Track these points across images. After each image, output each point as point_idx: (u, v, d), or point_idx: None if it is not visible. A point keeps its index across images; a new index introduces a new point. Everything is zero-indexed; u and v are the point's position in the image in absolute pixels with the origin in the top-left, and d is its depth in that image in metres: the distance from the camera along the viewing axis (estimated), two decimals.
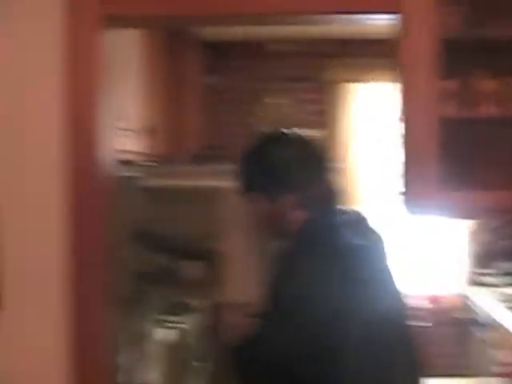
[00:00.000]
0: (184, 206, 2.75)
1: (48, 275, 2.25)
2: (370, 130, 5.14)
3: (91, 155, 2.22)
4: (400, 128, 2.13)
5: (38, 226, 2.26)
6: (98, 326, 2.24)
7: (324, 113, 5.23)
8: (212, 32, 4.80)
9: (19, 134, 2.22)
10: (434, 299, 4.93)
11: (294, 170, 2.03)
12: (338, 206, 2.08)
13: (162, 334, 3.26)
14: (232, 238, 2.26)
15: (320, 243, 1.98)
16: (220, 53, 5.26)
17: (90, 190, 2.22)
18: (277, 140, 2.11)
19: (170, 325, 3.48)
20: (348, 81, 5.21)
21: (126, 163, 2.94)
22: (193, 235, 2.69)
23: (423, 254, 5.02)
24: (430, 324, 4.72)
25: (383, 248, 2.11)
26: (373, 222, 2.12)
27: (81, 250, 2.22)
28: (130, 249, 2.84)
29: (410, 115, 2.08)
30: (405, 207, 2.12)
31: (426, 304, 4.90)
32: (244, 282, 2.10)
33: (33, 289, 2.27)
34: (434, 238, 4.95)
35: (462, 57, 2.07)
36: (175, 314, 3.60)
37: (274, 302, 1.97)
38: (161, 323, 3.28)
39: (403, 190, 2.12)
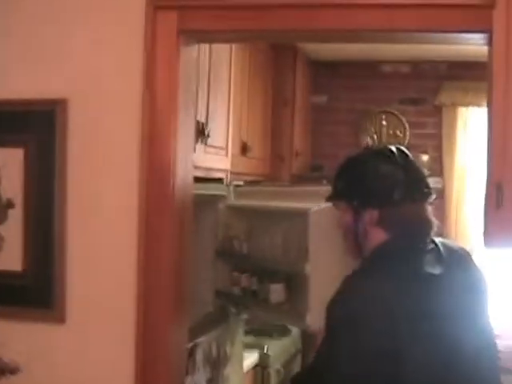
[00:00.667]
0: (272, 226, 2.72)
1: (115, 292, 2.16)
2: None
3: (168, 173, 2.12)
4: (485, 155, 1.99)
5: (107, 243, 2.17)
6: (167, 346, 2.13)
7: (438, 137, 5.00)
8: (322, 50, 4.68)
9: (95, 145, 2.18)
10: None
11: (383, 185, 2.01)
12: (429, 235, 2.02)
13: (245, 357, 3.28)
14: (320, 261, 2.21)
15: (389, 268, 1.92)
16: (331, 72, 5.12)
17: (166, 208, 2.12)
18: (377, 153, 2.10)
19: (253, 348, 3.54)
20: (464, 104, 4.95)
21: (214, 181, 2.94)
22: (280, 256, 2.64)
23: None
24: None
25: (479, 286, 2.02)
26: (477, 260, 2.07)
27: (152, 267, 2.12)
28: (212, 267, 2.89)
29: (495, 140, 1.92)
30: (484, 240, 1.93)
31: None
32: None
33: (98, 305, 2.18)
34: None
35: None
36: (259, 336, 3.73)
37: (327, 324, 1.92)
38: (244, 345, 3.26)
39: (483, 221, 1.95)
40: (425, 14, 2.03)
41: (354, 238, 2.06)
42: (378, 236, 2.01)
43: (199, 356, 2.65)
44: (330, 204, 2.16)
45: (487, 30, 1.98)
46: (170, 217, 2.14)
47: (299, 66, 4.64)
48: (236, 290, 2.88)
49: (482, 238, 1.97)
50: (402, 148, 2.10)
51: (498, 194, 1.90)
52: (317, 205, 2.25)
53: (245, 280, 2.89)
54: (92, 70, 2.19)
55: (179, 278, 2.21)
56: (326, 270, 2.21)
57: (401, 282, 1.89)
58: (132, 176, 2.14)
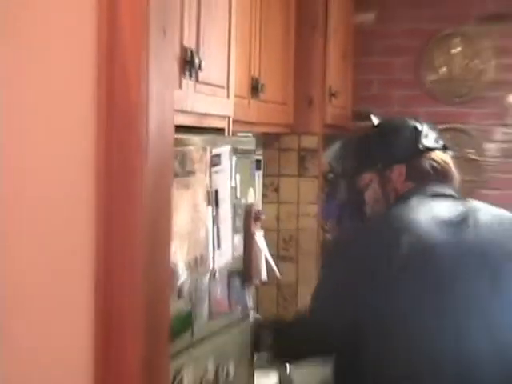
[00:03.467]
0: None
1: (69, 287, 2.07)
2: None
3: (136, 116, 2.01)
4: None
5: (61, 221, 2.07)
6: (136, 363, 2.07)
7: None
8: None
9: (39, 91, 2.08)
10: None
11: (408, 137, 2.82)
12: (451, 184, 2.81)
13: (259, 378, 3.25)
14: None
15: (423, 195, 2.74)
16: None
17: (135, 166, 2.03)
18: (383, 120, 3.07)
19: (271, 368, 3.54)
20: None
21: (211, 132, 2.87)
22: None
23: None
24: None
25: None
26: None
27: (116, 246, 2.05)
28: None
29: None
30: None
31: None
32: None
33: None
34: None
35: None
36: None
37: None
38: (255, 363, 3.20)
39: None
40: None
41: (385, 206, 2.80)
42: (406, 187, 2.79)
43: (189, 377, 2.50)
44: None
45: None
46: (140, 179, 2.04)
47: None
48: None
49: None
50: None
51: None
52: None
53: None
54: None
55: (155, 264, 2.09)
56: None
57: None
58: (87, 120, 2.04)
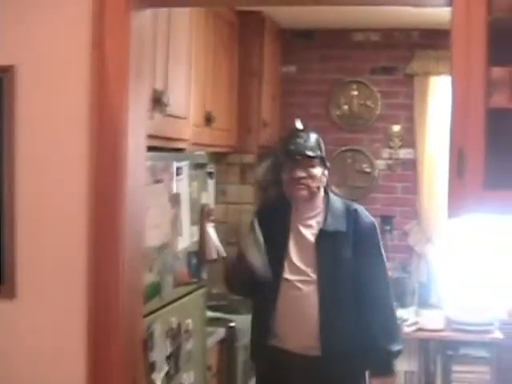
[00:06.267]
0: None
1: (66, 265, 2.03)
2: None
3: (119, 140, 1.96)
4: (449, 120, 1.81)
5: (57, 215, 2.04)
6: (121, 316, 2.02)
7: (410, 107, 4.55)
8: (291, 18, 4.25)
9: (43, 113, 2.02)
10: None
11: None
12: None
13: (211, 332, 3.20)
14: None
15: None
16: (300, 41, 4.60)
17: (117, 176, 1.99)
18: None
19: (220, 323, 3.42)
20: (436, 73, 4.48)
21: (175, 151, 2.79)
22: None
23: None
24: None
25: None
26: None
27: (102, 237, 2.00)
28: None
29: (457, 106, 1.80)
30: (447, 208, 1.81)
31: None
32: None
33: (48, 278, 2.03)
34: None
35: None
36: (227, 313, 3.66)
37: None
38: (208, 320, 3.20)
39: (447, 191, 1.81)
40: None
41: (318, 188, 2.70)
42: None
43: (157, 331, 2.45)
44: None
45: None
46: (122, 185, 1.99)
47: (267, 35, 4.09)
48: None
49: (447, 206, 1.80)
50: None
51: (459, 162, 1.76)
52: None
53: None
54: (40, 37, 1.99)
55: (134, 247, 2.05)
56: None
57: None
58: (81, 143, 1.99)
